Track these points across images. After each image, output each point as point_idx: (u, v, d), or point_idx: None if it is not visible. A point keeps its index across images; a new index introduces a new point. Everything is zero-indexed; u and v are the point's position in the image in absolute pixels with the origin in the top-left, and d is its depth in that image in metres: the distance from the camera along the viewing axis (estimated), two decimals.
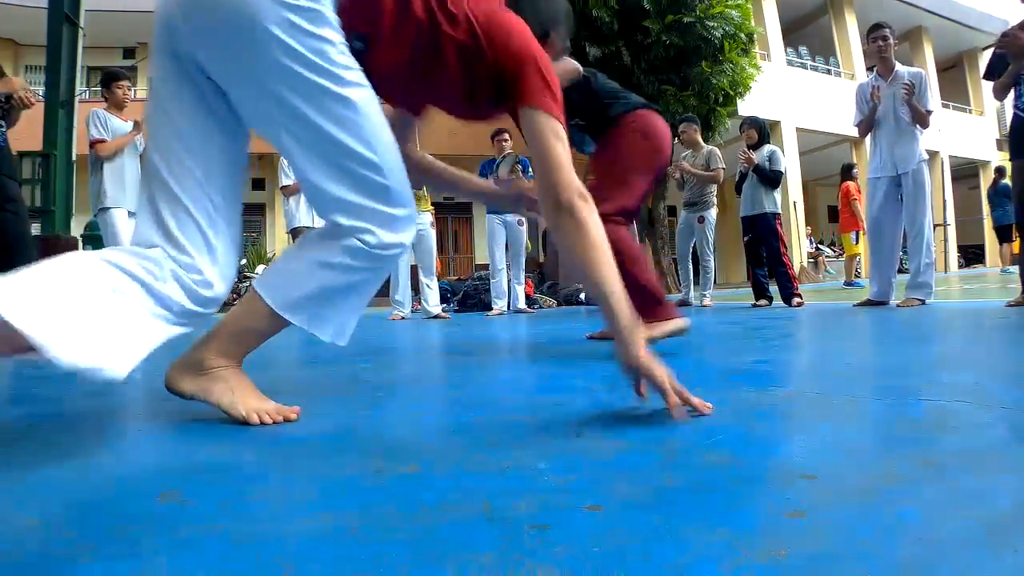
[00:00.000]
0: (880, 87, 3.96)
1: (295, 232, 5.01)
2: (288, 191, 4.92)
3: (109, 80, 4.11)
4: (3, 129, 2.94)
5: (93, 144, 3.90)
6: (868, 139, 4.16)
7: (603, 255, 1.10)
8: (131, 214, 3.97)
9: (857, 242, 8.48)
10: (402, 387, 1.57)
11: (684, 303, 5.16)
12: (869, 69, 14.95)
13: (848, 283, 8.70)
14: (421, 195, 5.13)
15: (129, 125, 4.04)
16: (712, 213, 5.08)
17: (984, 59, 19.47)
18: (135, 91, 4.54)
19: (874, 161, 4.05)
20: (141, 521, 0.64)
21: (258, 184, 14.71)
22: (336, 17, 1.05)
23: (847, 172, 8.48)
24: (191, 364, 1.11)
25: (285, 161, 4.94)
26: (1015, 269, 10.85)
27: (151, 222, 1.06)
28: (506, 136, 5.25)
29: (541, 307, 6.36)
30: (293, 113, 1.01)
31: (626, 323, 1.05)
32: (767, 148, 4.81)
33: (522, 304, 5.54)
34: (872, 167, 4.06)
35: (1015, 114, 3.41)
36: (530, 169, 5.24)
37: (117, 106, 4.08)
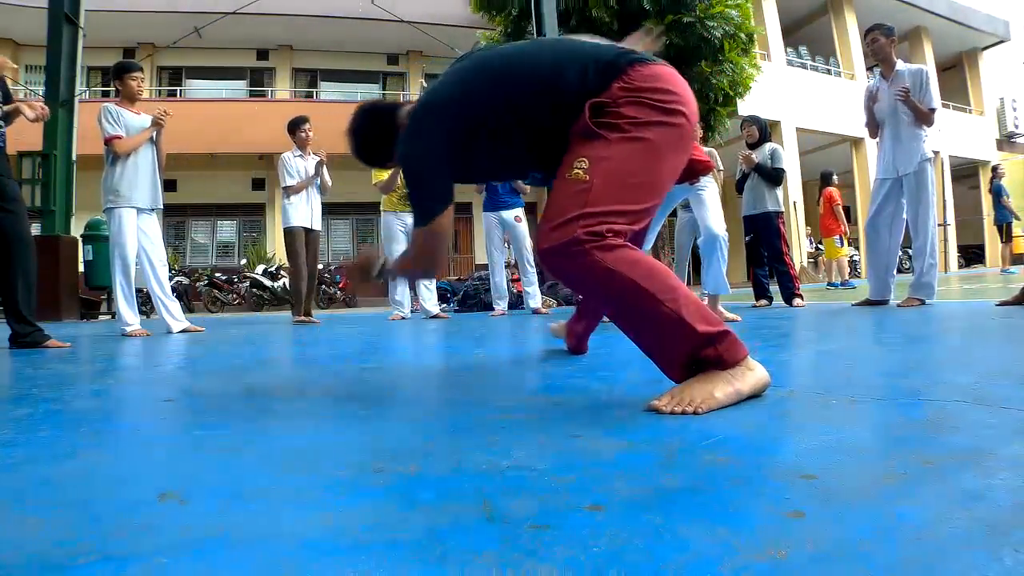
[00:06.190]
0: (881, 87, 3.95)
1: (288, 232, 4.95)
2: (291, 191, 4.88)
3: (121, 71, 3.89)
4: (2, 129, 2.93)
5: (109, 140, 3.75)
6: (876, 140, 4.15)
7: None
8: (140, 211, 3.85)
9: (842, 245, 8.84)
10: (402, 387, 1.57)
11: None
12: (869, 69, 14.98)
13: (843, 283, 8.89)
14: None
15: (143, 119, 3.86)
16: None
17: (984, 59, 19.62)
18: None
19: (879, 162, 4.04)
20: (141, 521, 0.64)
21: (258, 184, 14.74)
22: None
23: (827, 179, 8.93)
24: None
25: (287, 161, 4.92)
26: (1016, 269, 10.92)
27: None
28: None
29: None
30: None
31: None
32: (768, 146, 4.80)
33: (537, 304, 5.23)
34: (877, 167, 4.06)
35: None
36: None
37: (129, 98, 3.88)
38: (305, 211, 4.93)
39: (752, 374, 1.13)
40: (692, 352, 1.10)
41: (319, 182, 5.03)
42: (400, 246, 5.18)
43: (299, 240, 4.93)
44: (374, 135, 1.49)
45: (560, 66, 1.23)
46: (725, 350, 1.11)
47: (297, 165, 4.93)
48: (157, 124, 3.86)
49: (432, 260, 1.36)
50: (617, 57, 1.22)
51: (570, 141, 1.21)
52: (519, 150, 1.33)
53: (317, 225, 5.04)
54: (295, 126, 4.96)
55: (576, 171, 1.14)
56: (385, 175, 4.99)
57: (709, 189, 3.47)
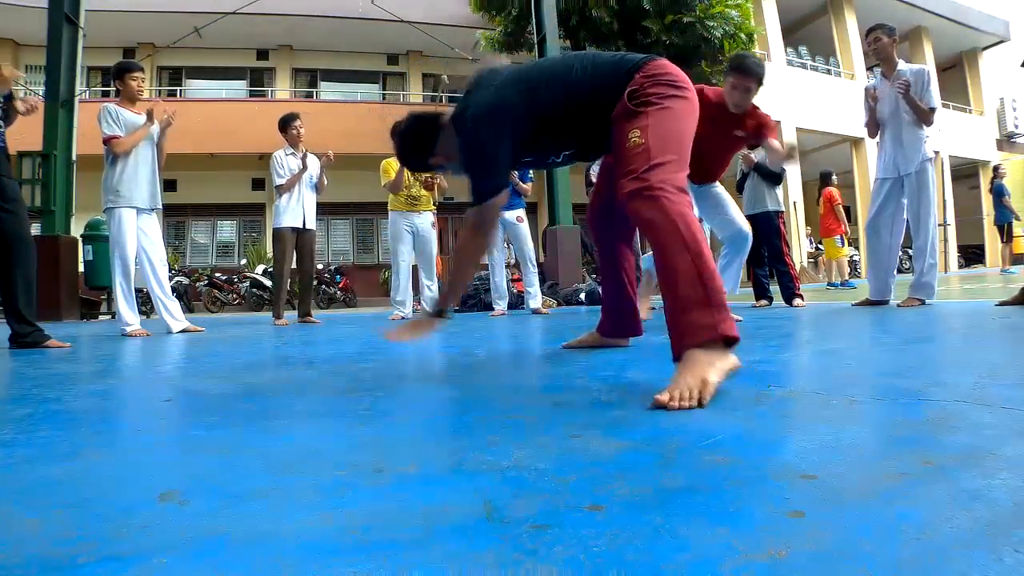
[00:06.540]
0: (882, 87, 3.94)
1: (275, 232, 4.90)
2: (283, 189, 4.82)
3: (122, 71, 3.88)
4: (1, 129, 2.93)
5: (108, 140, 3.75)
6: (875, 139, 4.13)
7: None
8: (140, 211, 3.85)
9: (842, 245, 8.87)
10: (402, 387, 1.57)
11: None
12: (869, 69, 14.98)
13: (843, 283, 8.91)
14: (425, 196, 5.15)
15: (143, 119, 3.86)
16: None
17: (984, 59, 19.62)
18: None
19: (879, 162, 4.02)
20: (141, 521, 0.64)
21: (258, 184, 14.73)
22: None
23: (826, 179, 8.98)
24: None
25: (278, 159, 4.84)
26: (1016, 269, 10.92)
27: None
28: None
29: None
30: None
31: None
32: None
33: (537, 304, 5.18)
34: (877, 167, 4.05)
35: None
36: (530, 173, 5.23)
37: (130, 99, 3.89)
38: (296, 211, 4.86)
39: (729, 356, 1.24)
40: (696, 306, 1.24)
41: (315, 182, 4.98)
42: (406, 246, 5.15)
43: (286, 242, 4.87)
44: (418, 138, 1.75)
45: (599, 69, 1.59)
46: (722, 320, 1.24)
47: (289, 163, 4.87)
48: (152, 118, 3.84)
49: (488, 229, 1.69)
50: (632, 58, 1.58)
51: (613, 123, 1.53)
52: (565, 137, 1.68)
53: (311, 224, 4.97)
54: (286, 123, 4.91)
55: (633, 140, 1.45)
56: (393, 175, 4.99)
57: (720, 188, 3.49)
